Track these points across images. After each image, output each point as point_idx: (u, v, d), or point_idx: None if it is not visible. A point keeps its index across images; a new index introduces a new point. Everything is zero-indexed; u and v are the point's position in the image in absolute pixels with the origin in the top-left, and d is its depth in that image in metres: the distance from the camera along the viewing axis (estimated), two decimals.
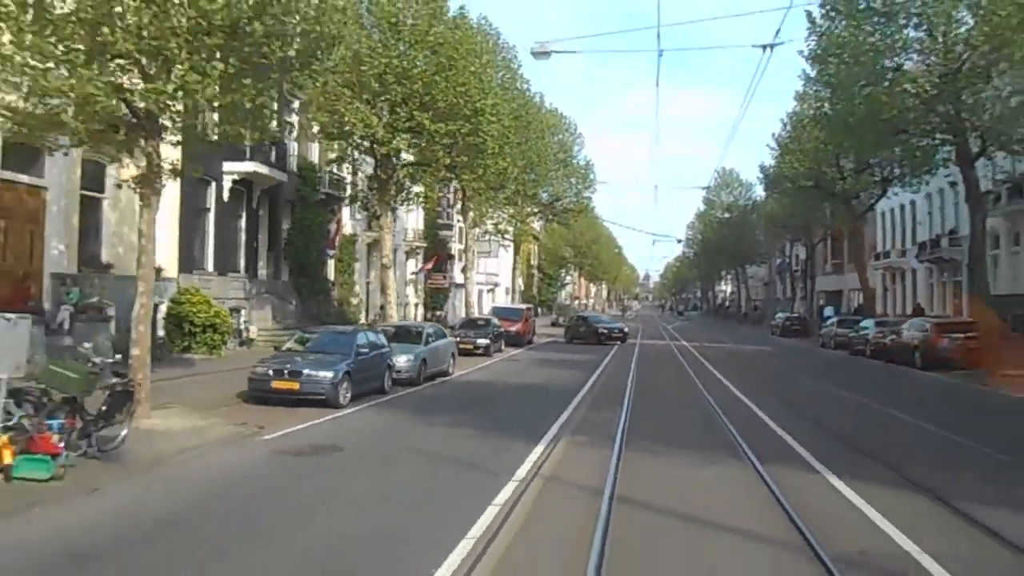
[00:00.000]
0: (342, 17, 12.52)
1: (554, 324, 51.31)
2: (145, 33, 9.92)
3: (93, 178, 18.34)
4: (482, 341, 26.66)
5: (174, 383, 15.23)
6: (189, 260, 22.51)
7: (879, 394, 16.97)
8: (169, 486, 7.88)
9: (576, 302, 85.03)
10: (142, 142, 11.69)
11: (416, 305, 41.95)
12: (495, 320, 30.57)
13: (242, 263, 26.01)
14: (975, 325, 22.64)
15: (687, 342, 37.07)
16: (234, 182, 24.46)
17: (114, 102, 10.32)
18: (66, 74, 10.27)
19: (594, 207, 54.61)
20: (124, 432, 8.96)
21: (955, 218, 32.77)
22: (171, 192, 17.96)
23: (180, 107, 11.07)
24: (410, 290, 41.40)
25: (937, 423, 12.49)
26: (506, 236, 41.50)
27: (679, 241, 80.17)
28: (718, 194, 66.96)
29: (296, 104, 12.87)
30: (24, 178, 16.40)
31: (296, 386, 13.31)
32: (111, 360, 9.57)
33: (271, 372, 13.61)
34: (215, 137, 12.66)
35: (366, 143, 22.27)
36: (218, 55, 10.43)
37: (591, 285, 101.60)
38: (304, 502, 7.29)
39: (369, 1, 21.49)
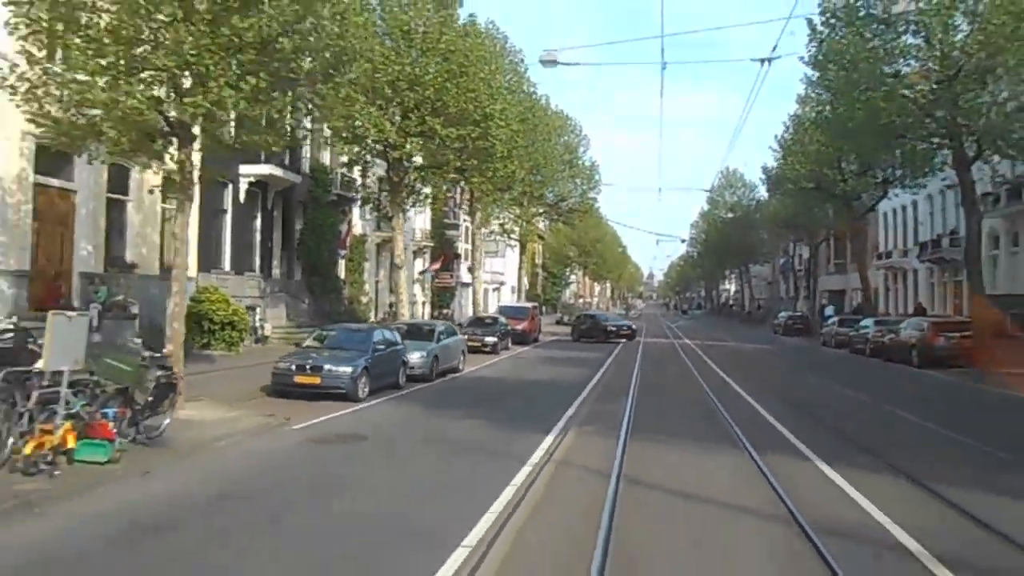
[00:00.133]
0: (364, 32, 13.24)
1: (559, 323, 51.97)
2: (183, 49, 10.65)
3: (118, 181, 19.10)
4: (490, 339, 27.37)
5: (199, 378, 15.94)
6: (207, 260, 23.27)
7: (873, 391, 17.65)
8: (215, 468, 8.63)
9: (580, 301, 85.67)
10: (175, 150, 12.47)
11: (423, 304, 42.70)
12: (502, 319, 31.29)
13: (257, 262, 26.79)
14: (970, 324, 23.27)
15: (690, 340, 37.73)
16: (250, 184, 25.25)
17: (152, 114, 11.08)
18: (106, 88, 11.02)
19: (599, 207, 55.32)
20: (167, 421, 9.73)
21: (956, 219, 33.28)
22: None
23: (207, 116, 11.80)
24: (417, 289, 42.15)
25: (924, 417, 13.21)
26: (512, 236, 42.21)
27: (683, 241, 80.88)
28: (722, 194, 67.52)
29: (316, 112, 13.54)
30: (55, 182, 17.13)
31: (317, 380, 14.03)
32: (158, 355, 10.30)
33: (294, 367, 14.33)
34: (238, 146, 13.41)
35: (379, 147, 23.02)
36: (250, 70, 11.16)
37: (595, 284, 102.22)
38: (340, 481, 8.05)
39: (382, 10, 22.22)
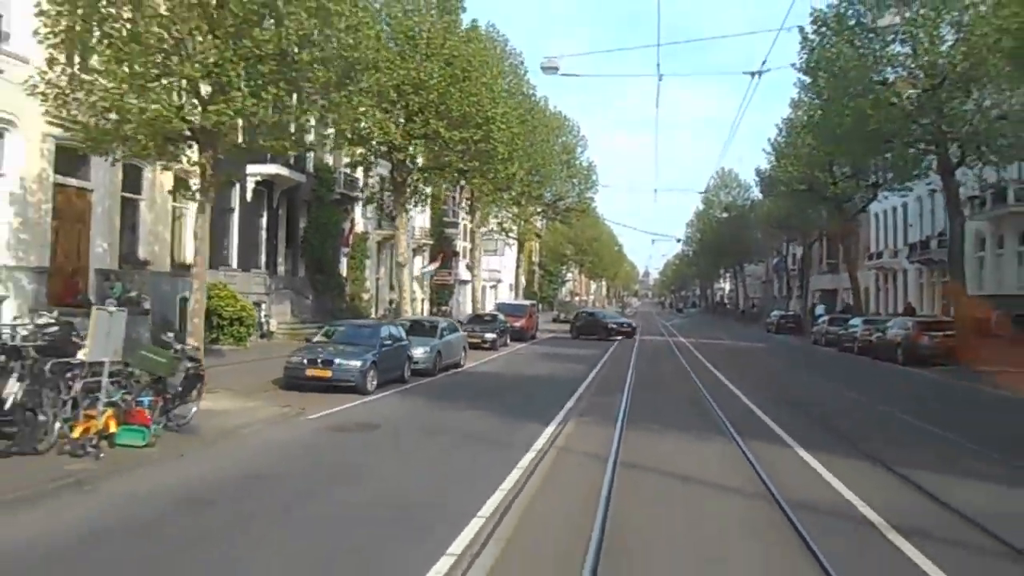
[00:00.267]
0: (376, 44, 13.94)
1: (555, 320, 52.68)
2: (209, 60, 11.34)
3: (132, 181, 19.75)
4: (489, 335, 28.08)
5: (211, 371, 16.39)
6: (216, 257, 23.84)
7: (857, 387, 18.45)
8: (242, 452, 9.34)
9: (576, 299, 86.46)
10: (192, 153, 13.17)
11: (422, 301, 43.40)
12: (501, 316, 32.00)
13: (263, 260, 27.45)
14: (953, 324, 24.10)
15: (685, 338, 38.50)
16: (256, 183, 25.90)
17: (177, 121, 11.77)
18: (134, 95, 11.72)
19: (596, 207, 56.06)
20: (195, 410, 10.44)
21: (944, 221, 34.01)
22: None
23: (231, 123, 12.50)
24: (415, 286, 42.85)
25: (901, 410, 14.04)
26: (511, 235, 42.95)
27: (678, 240, 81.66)
28: (717, 194, 68.36)
29: (329, 118, 14.23)
30: (73, 181, 17.76)
31: (328, 374, 14.72)
32: (188, 347, 10.99)
33: (305, 361, 15.01)
34: (256, 150, 14.13)
35: (383, 148, 23.71)
36: (270, 80, 11.86)
37: (591, 282, 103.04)
38: (361, 463, 8.79)
39: (388, 15, 22.89)
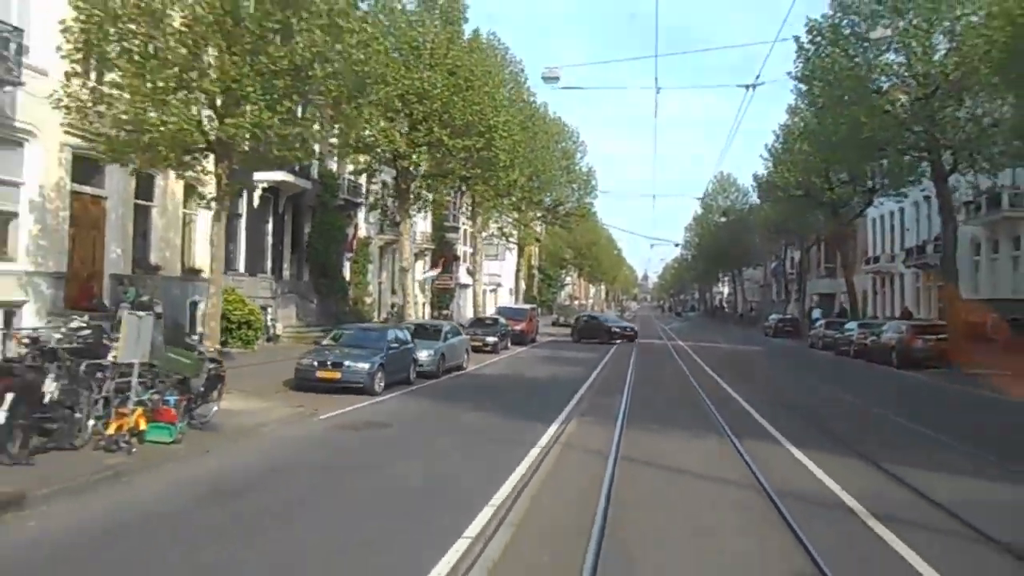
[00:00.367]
0: (386, 59, 14.50)
1: (555, 324, 53.21)
2: (228, 75, 11.89)
3: (144, 188, 20.30)
4: (491, 339, 28.59)
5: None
6: (224, 262, 24.43)
7: (851, 389, 19.00)
8: (264, 448, 9.88)
9: (575, 303, 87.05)
10: (207, 163, 13.71)
11: (423, 304, 43.93)
12: (502, 319, 32.53)
13: (269, 265, 28.00)
14: (946, 328, 24.63)
15: (683, 342, 39.03)
16: (263, 190, 26.46)
17: (197, 134, 12.32)
18: (156, 109, 12.26)
19: (595, 211, 56.66)
20: (215, 409, 10.97)
21: (940, 226, 34.65)
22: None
23: (248, 136, 13.05)
24: (417, 290, 43.38)
25: (891, 410, 14.62)
26: (511, 239, 43.53)
27: (677, 245, 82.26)
28: (715, 198, 68.96)
29: (338, 129, 14.80)
30: (88, 189, 18.30)
31: (338, 375, 15.23)
32: (211, 350, 11.51)
33: (316, 363, 15.53)
34: (269, 159, 14.65)
35: (388, 155, 24.28)
36: (285, 94, 12.41)
37: (590, 286, 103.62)
38: (377, 458, 9.33)
39: (392, 26, 23.47)
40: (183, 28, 12.32)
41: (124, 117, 12.45)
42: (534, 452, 9.50)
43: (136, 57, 12.34)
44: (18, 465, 7.61)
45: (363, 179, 31.73)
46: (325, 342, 18.01)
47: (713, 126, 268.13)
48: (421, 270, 43.86)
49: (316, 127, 13.38)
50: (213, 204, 13.87)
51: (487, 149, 24.08)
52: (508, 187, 30.36)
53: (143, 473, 8.13)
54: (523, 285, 54.81)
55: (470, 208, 38.48)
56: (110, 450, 8.60)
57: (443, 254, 45.53)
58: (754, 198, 57.72)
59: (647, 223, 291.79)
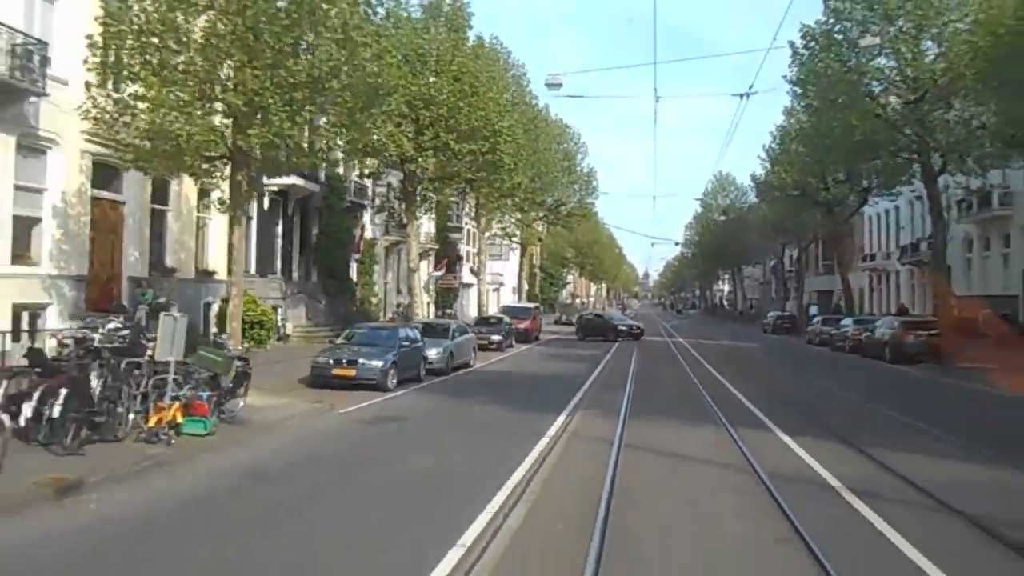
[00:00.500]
0: (399, 72, 15.17)
1: (557, 322, 53.91)
2: (250, 88, 12.55)
3: (160, 193, 20.99)
4: (496, 337, 29.23)
5: None
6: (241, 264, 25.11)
7: (843, 382, 19.74)
8: (291, 440, 10.58)
9: (577, 301, 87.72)
10: (230, 172, 14.38)
11: (428, 304, 44.62)
12: (506, 318, 33.19)
13: (279, 266, 28.70)
14: (938, 324, 25.31)
15: (684, 339, 39.70)
16: (273, 193, 27.14)
17: (221, 145, 13.00)
18: (182, 120, 12.93)
19: (596, 211, 57.40)
20: (241, 404, 11.65)
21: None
22: None
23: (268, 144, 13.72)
24: (421, 289, 44.06)
25: (879, 402, 15.39)
26: (514, 239, 44.22)
27: (677, 244, 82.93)
28: (715, 197, 69.62)
29: (352, 138, 15.51)
30: (107, 194, 18.98)
31: (352, 373, 15.90)
32: (240, 348, 12.20)
33: (331, 361, 16.21)
34: (287, 167, 15.35)
35: (395, 159, 24.97)
36: (303, 105, 13.08)
37: (592, 284, 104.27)
38: (399, 449, 10.03)
39: (398, 33, 24.13)
40: (204, 43, 12.98)
41: (149, 127, 13.10)
42: (543, 441, 10.19)
43: (160, 70, 12.99)
44: (71, 455, 8.30)
45: (369, 181, 32.40)
46: (339, 341, 18.66)
47: (713, 126, 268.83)
48: (426, 270, 44.55)
49: (333, 136, 14.03)
50: (230, 210, 14.50)
51: (492, 152, 24.76)
52: (512, 189, 31.06)
53: (183, 462, 8.81)
54: (526, 284, 55.51)
55: (474, 209, 39.18)
56: (151, 442, 9.28)
57: (447, 254, 46.24)
58: (752, 197, 58.36)
59: (647, 223, 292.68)
